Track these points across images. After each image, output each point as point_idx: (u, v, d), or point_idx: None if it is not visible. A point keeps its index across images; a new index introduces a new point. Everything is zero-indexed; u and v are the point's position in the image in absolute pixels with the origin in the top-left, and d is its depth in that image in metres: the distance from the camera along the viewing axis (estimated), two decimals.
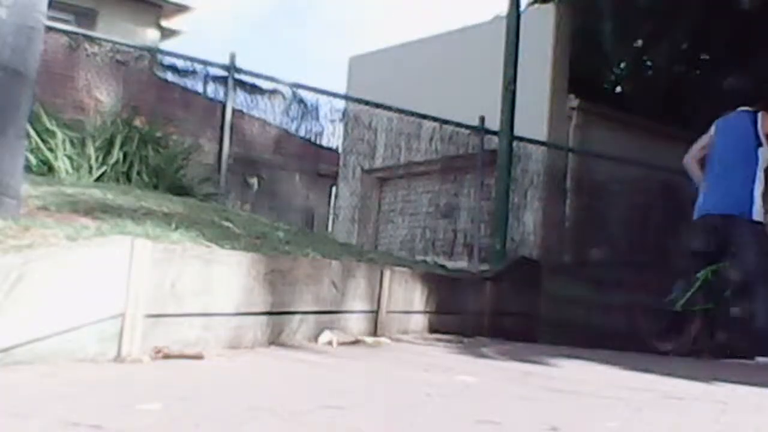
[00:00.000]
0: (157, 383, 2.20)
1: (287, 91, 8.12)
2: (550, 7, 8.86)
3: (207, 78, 7.31)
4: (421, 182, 9.24)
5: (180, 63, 7.40)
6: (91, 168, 5.16)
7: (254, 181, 9.79)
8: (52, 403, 1.80)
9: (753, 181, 5.59)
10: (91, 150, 5.19)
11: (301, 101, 8.35)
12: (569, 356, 4.07)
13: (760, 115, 5.71)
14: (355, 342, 3.58)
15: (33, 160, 4.91)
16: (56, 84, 6.49)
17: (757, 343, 5.32)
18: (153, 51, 8.26)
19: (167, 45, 14.78)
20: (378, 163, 9.41)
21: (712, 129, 5.91)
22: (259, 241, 3.85)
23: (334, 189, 10.77)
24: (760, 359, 5.11)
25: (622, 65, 9.85)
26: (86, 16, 13.39)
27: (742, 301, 5.60)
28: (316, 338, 3.38)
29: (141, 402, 1.84)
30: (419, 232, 9.02)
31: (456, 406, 2.28)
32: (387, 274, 4.06)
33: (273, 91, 8.08)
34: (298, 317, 3.31)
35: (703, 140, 5.93)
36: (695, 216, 5.81)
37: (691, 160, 5.96)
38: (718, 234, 5.68)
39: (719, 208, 5.65)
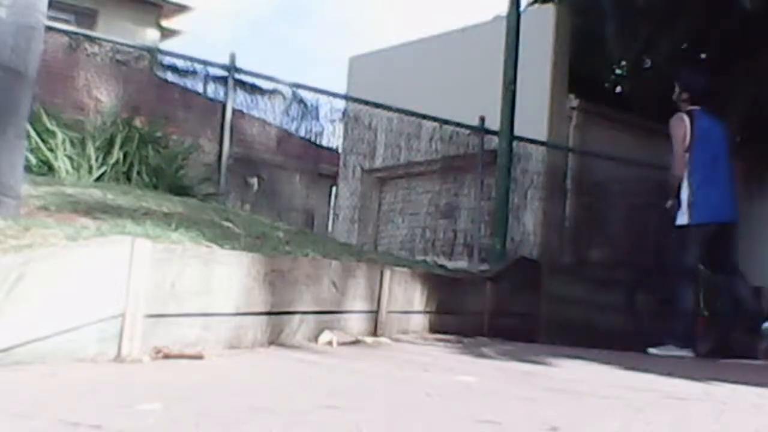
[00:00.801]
0: (157, 383, 2.20)
1: (287, 91, 8.11)
2: (550, 7, 8.85)
3: (207, 78, 7.29)
4: (421, 182, 9.23)
5: (180, 63, 7.38)
6: (91, 168, 5.16)
7: (254, 181, 9.79)
8: (52, 403, 1.80)
9: (735, 189, 6.02)
10: (91, 150, 5.19)
11: (301, 101, 8.34)
12: (569, 356, 4.08)
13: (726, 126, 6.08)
14: (355, 342, 3.59)
15: (33, 160, 4.91)
16: (56, 84, 6.48)
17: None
18: (153, 51, 8.24)
19: (167, 45, 14.80)
20: (378, 163, 9.39)
21: (687, 123, 5.90)
22: (259, 241, 3.85)
23: (334, 189, 10.76)
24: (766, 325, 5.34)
25: (622, 65, 9.83)
26: (86, 16, 13.41)
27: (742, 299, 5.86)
28: (316, 338, 3.38)
29: (141, 402, 1.84)
30: (419, 232, 9.00)
31: (456, 406, 2.28)
32: (387, 274, 4.06)
33: (273, 91, 8.06)
34: (298, 317, 3.31)
35: (682, 142, 5.90)
36: (705, 219, 5.82)
37: (683, 170, 5.93)
38: (719, 238, 5.87)
39: (732, 216, 5.94)
